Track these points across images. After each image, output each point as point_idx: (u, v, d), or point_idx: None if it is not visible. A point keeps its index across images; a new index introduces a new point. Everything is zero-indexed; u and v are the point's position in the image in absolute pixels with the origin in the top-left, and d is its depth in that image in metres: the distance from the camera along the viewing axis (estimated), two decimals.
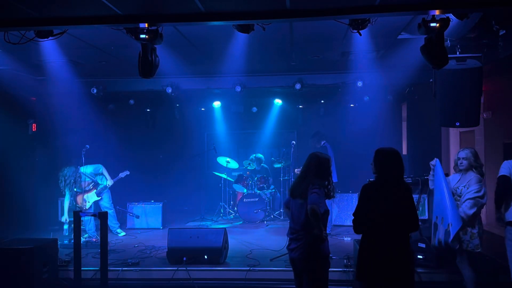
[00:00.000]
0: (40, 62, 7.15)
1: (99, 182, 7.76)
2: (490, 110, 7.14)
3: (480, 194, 4.44)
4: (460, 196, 4.59)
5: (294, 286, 4.09)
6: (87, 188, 7.68)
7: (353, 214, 3.54)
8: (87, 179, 7.64)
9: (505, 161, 5.25)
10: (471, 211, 4.40)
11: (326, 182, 3.92)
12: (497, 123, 7.02)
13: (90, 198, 7.72)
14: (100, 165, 7.74)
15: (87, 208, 7.66)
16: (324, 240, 3.72)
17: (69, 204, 7.49)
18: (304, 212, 3.79)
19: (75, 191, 7.51)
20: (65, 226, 7.56)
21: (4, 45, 5.14)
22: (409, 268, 3.45)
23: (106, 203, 7.85)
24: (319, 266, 3.81)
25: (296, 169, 7.60)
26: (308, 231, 3.77)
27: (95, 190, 7.74)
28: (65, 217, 7.51)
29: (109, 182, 7.74)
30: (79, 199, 7.66)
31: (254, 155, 9.86)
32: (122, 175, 7.92)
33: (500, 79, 6.84)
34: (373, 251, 3.43)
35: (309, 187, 3.82)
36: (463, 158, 4.67)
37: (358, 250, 3.62)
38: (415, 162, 9.00)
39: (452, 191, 4.66)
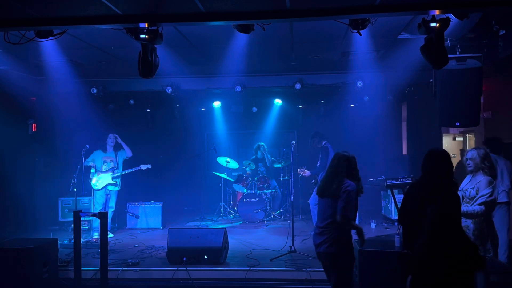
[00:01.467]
0: (40, 62, 7.15)
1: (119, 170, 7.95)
2: (490, 110, 7.14)
3: (493, 197, 4.28)
4: (470, 199, 4.41)
5: (297, 285, 4.11)
6: (105, 169, 7.81)
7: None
8: (113, 156, 7.89)
9: None
10: (484, 212, 4.26)
11: (357, 180, 4.02)
12: (497, 123, 7.03)
13: (105, 179, 7.79)
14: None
15: (99, 188, 7.75)
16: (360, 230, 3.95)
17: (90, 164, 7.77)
18: (330, 211, 3.91)
19: (95, 169, 7.82)
20: (92, 170, 7.81)
21: (4, 45, 5.14)
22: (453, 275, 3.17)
23: (112, 203, 7.90)
24: (343, 260, 3.93)
25: (299, 169, 7.59)
26: (331, 227, 3.90)
27: (111, 173, 7.81)
28: (91, 163, 7.76)
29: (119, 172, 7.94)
30: (94, 177, 7.80)
31: (257, 143, 9.94)
32: (143, 167, 8.01)
33: (500, 79, 6.84)
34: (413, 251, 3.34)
35: (341, 186, 3.89)
36: (469, 159, 4.50)
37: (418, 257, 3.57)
38: (415, 162, 9.00)
39: (462, 193, 4.50)
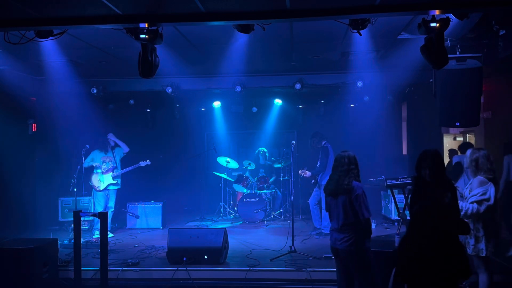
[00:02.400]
0: (40, 62, 7.15)
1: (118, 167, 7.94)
2: (490, 110, 7.14)
3: (486, 196, 4.25)
4: (464, 198, 4.43)
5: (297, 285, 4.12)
6: (105, 169, 7.79)
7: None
8: (111, 155, 7.89)
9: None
10: (476, 211, 4.26)
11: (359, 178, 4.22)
12: (497, 123, 7.03)
13: (106, 179, 7.78)
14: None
15: (101, 189, 7.73)
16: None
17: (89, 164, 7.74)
18: (345, 209, 4.03)
19: (96, 171, 7.78)
20: (99, 170, 7.78)
21: (4, 45, 5.14)
22: (453, 274, 3.24)
23: (112, 203, 7.87)
24: (365, 257, 4.07)
25: (300, 170, 7.56)
26: (351, 226, 4.03)
27: (111, 173, 7.81)
28: (95, 163, 7.75)
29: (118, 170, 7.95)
30: (95, 178, 7.77)
31: (258, 149, 10.05)
32: (142, 163, 8.01)
33: (500, 79, 6.84)
34: (414, 251, 3.33)
35: (351, 185, 4.04)
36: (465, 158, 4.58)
37: (398, 250, 3.57)
38: (415, 162, 8.98)
39: (465, 193, 4.51)
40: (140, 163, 8.00)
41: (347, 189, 4.03)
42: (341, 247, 4.06)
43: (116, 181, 7.87)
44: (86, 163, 7.71)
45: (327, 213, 4.35)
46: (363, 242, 4.07)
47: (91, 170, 7.83)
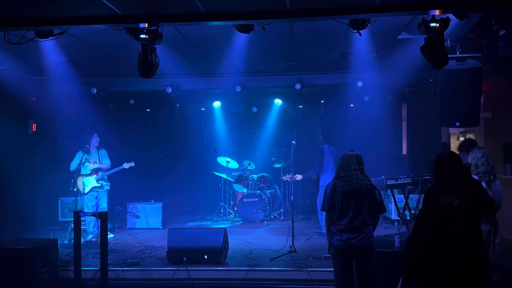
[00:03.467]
0: (40, 62, 7.15)
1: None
2: (490, 110, 7.14)
3: None
4: None
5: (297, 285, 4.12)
6: (89, 171, 7.63)
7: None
8: (96, 157, 7.70)
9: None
10: None
11: None
12: (497, 123, 7.02)
13: (90, 182, 7.62)
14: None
15: (85, 192, 7.57)
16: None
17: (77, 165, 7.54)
18: (364, 208, 4.12)
19: (80, 171, 7.61)
20: (85, 172, 7.61)
21: (4, 45, 5.14)
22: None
23: (104, 204, 7.78)
24: (374, 251, 4.20)
25: (284, 177, 7.41)
26: (367, 223, 4.13)
27: (95, 176, 7.66)
28: (79, 166, 7.57)
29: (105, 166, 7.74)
30: (79, 181, 7.60)
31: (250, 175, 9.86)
32: (126, 165, 7.75)
33: (500, 79, 6.83)
34: (418, 251, 3.35)
35: (371, 182, 4.18)
36: None
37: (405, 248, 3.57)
38: (415, 162, 9.00)
39: None
40: (123, 165, 7.76)
41: (370, 187, 4.12)
42: (359, 244, 4.09)
43: (100, 184, 7.65)
44: (72, 166, 7.55)
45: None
46: (373, 238, 4.19)
47: (78, 171, 7.63)
